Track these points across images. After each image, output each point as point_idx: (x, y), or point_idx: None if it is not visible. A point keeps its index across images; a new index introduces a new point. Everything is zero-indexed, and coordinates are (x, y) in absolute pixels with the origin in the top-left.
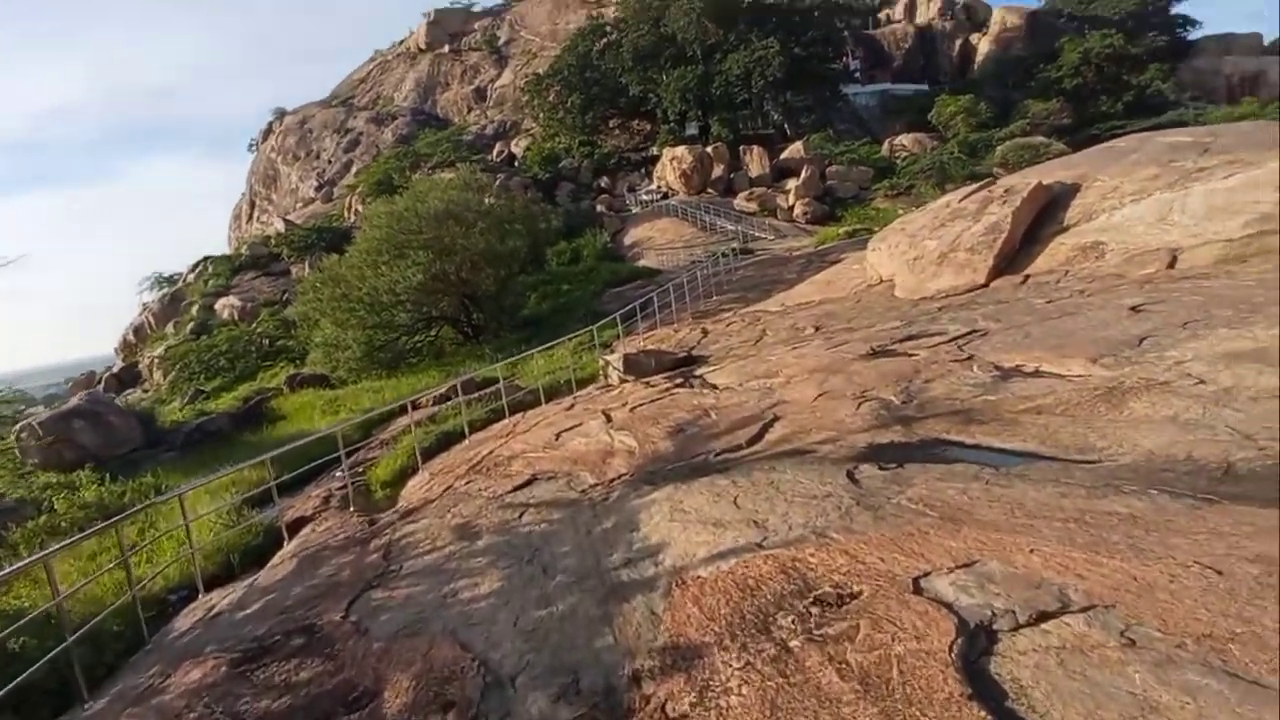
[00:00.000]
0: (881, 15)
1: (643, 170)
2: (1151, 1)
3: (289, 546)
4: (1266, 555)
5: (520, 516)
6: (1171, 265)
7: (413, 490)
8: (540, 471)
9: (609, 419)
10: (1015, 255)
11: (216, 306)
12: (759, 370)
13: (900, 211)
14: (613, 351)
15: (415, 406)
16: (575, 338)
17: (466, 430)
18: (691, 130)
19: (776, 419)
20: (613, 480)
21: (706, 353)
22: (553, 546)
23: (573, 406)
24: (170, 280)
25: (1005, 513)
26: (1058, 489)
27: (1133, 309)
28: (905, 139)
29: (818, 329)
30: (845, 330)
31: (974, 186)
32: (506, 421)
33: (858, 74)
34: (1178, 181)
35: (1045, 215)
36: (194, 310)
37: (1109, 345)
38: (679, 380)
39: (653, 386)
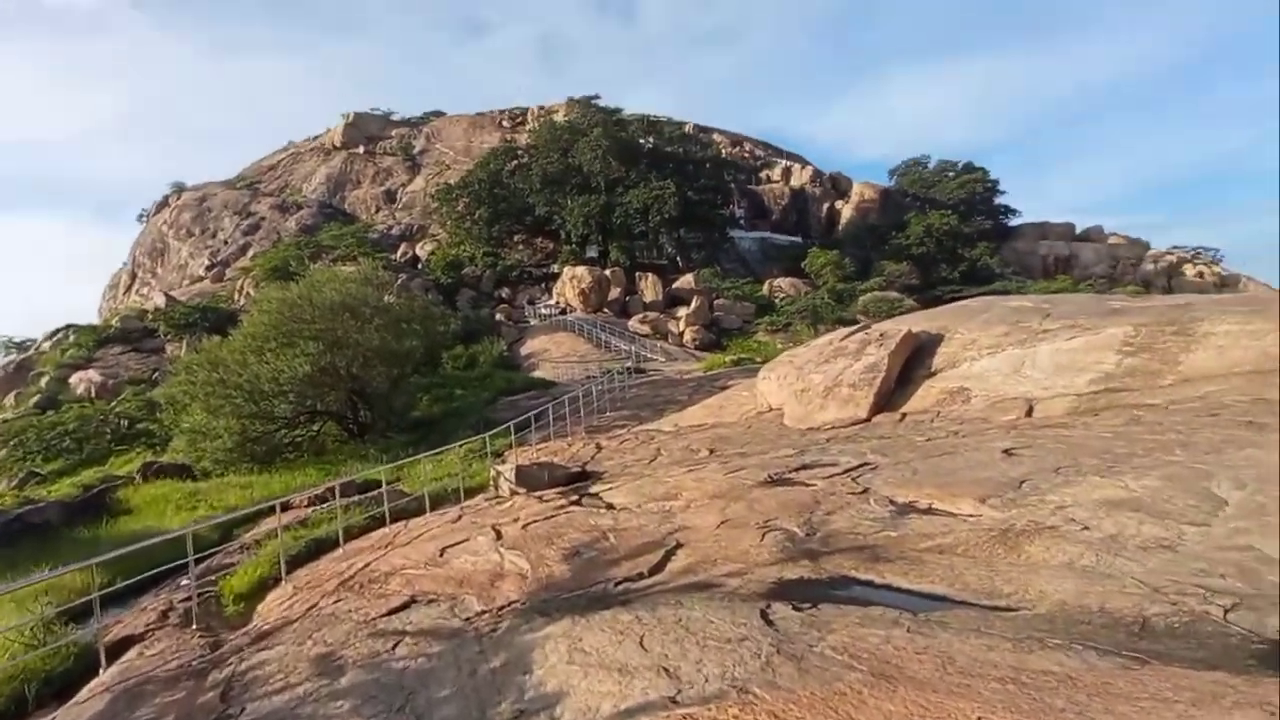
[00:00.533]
0: (763, 175)
1: (543, 285)
2: (979, 192)
3: (104, 675)
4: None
5: (394, 648)
6: (1029, 413)
7: (271, 606)
8: (420, 593)
9: (499, 535)
10: (891, 394)
11: (72, 380)
12: (657, 491)
13: (780, 345)
14: (504, 461)
15: (287, 507)
16: (466, 444)
17: (341, 538)
18: (592, 253)
19: (679, 546)
20: (503, 608)
21: (601, 469)
22: (430, 689)
23: (460, 519)
24: (21, 346)
25: (937, 668)
26: (982, 640)
27: (1005, 452)
28: (782, 282)
29: (712, 452)
30: (739, 455)
31: (853, 328)
32: (386, 531)
33: (742, 221)
34: (1026, 340)
35: (915, 360)
36: (43, 381)
37: (992, 486)
38: (574, 497)
39: (546, 502)
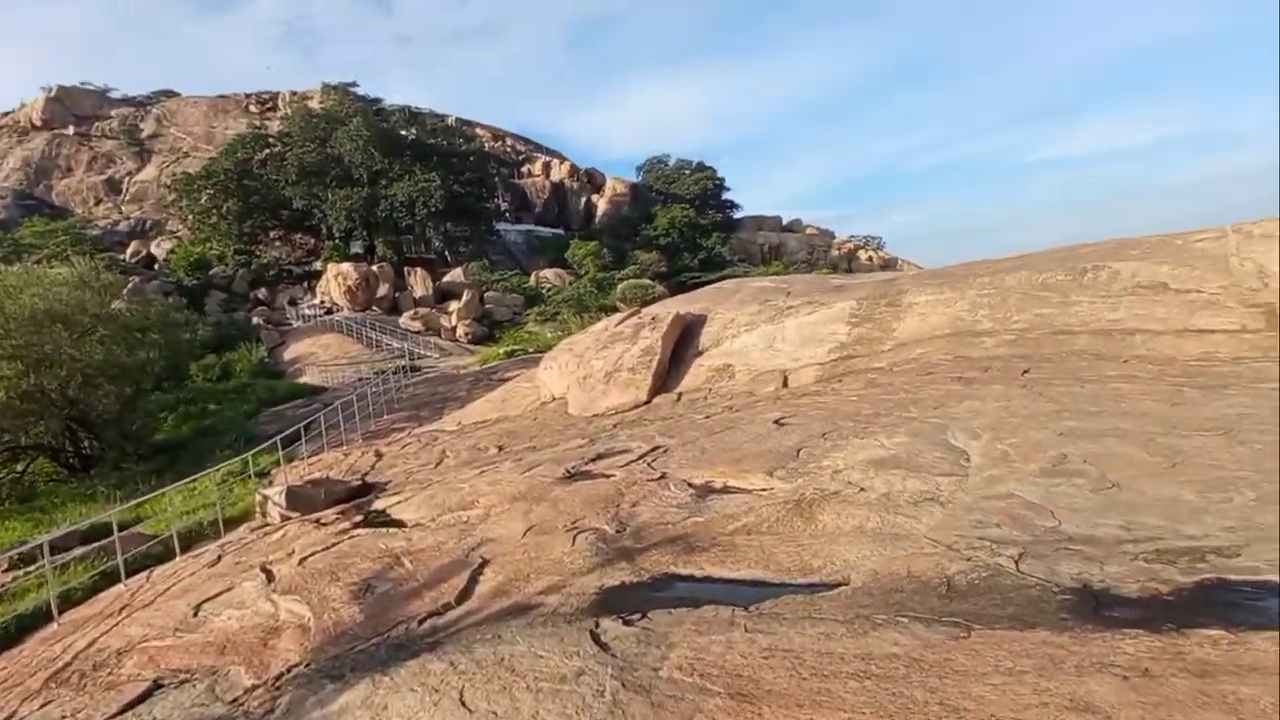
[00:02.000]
0: (525, 169)
1: (306, 284)
2: (710, 188)
3: None
4: (1077, 697)
5: None
6: (786, 384)
7: None
8: (168, 672)
9: (271, 577)
10: (667, 375)
11: None
12: (452, 500)
13: (550, 335)
14: (272, 483)
15: None
16: (225, 467)
17: (55, 609)
18: (357, 248)
19: (485, 563)
20: (281, 676)
21: (384, 479)
22: None
23: (219, 560)
24: None
25: (790, 674)
26: (818, 629)
27: (776, 422)
28: (548, 273)
29: (501, 449)
30: (531, 450)
31: (626, 313)
32: (122, 589)
33: (507, 214)
34: (775, 316)
35: (685, 340)
36: None
37: (775, 458)
38: (358, 517)
39: (326, 527)
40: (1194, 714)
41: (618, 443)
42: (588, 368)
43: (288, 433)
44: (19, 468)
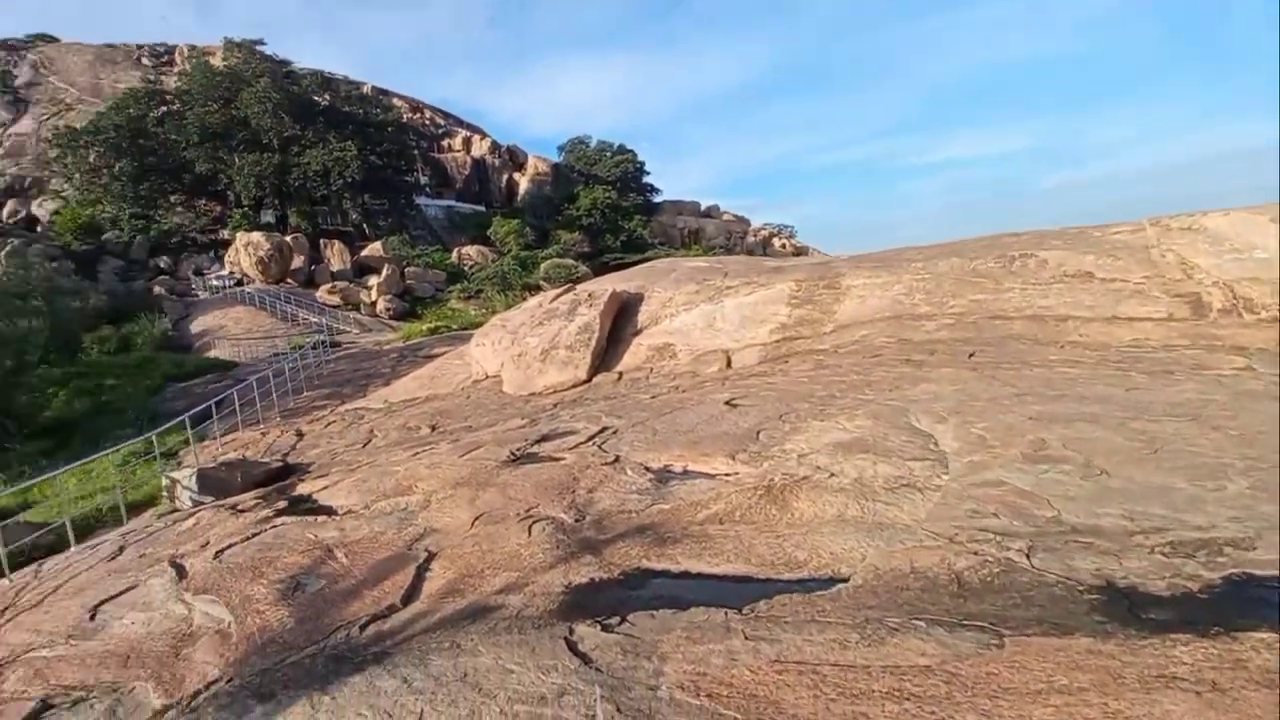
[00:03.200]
0: (445, 143)
1: (212, 253)
2: (631, 170)
3: None
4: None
5: None
6: (729, 364)
7: None
8: (59, 688)
9: (182, 573)
10: (605, 353)
11: None
12: (386, 485)
13: (474, 312)
14: (181, 465)
15: None
16: (126, 447)
17: None
18: (268, 217)
19: (432, 557)
20: (197, 695)
21: (307, 459)
22: None
23: (121, 552)
24: None
25: (812, 693)
26: (829, 636)
27: (728, 404)
28: (470, 249)
29: (435, 428)
30: (466, 430)
31: (559, 289)
32: (5, 586)
33: (428, 189)
34: (714, 296)
35: (622, 318)
36: None
37: (734, 440)
38: (281, 503)
39: (245, 514)
40: None
41: (561, 423)
42: (523, 345)
43: (197, 410)
44: None
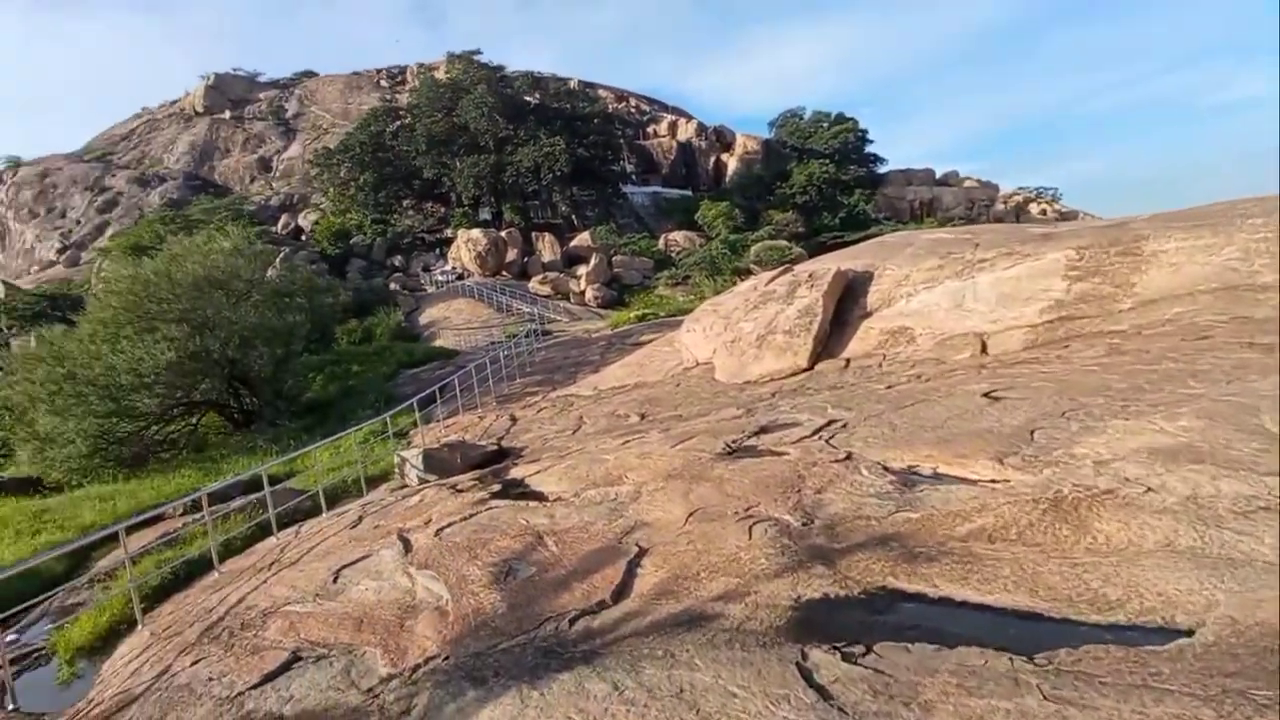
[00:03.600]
0: (649, 130)
1: (438, 250)
2: (851, 141)
3: None
4: None
5: None
6: (984, 350)
7: (117, 667)
8: (307, 644)
9: (408, 547)
10: (829, 338)
11: None
12: (596, 473)
13: (682, 299)
14: (410, 444)
15: (159, 520)
16: (367, 426)
17: (216, 559)
18: (485, 215)
19: (643, 552)
20: (417, 669)
21: (520, 443)
22: None
23: (360, 521)
24: None
25: None
26: (1168, 709)
27: (987, 396)
28: (677, 235)
29: (644, 416)
30: (676, 418)
31: (776, 270)
32: (274, 542)
33: (633, 176)
34: (963, 271)
35: (847, 300)
36: None
37: (1000, 440)
38: (495, 485)
39: (463, 493)
40: None
41: (781, 414)
42: (736, 330)
43: (424, 395)
44: (193, 421)
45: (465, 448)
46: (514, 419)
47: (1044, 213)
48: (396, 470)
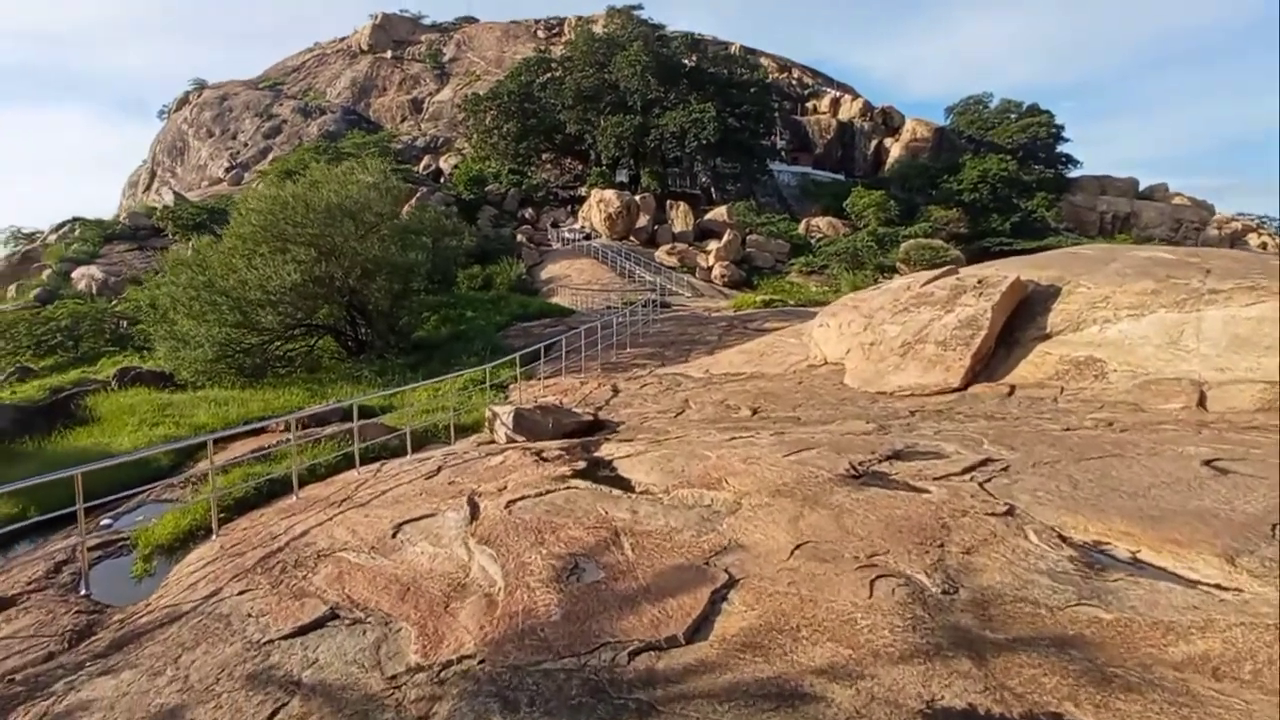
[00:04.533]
0: (809, 105)
1: (569, 207)
2: (1041, 137)
3: None
4: None
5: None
6: (1201, 403)
7: (183, 576)
8: (346, 601)
9: (475, 513)
10: (990, 358)
11: (74, 275)
12: (693, 470)
13: (815, 289)
14: (506, 398)
15: (261, 433)
16: (468, 374)
17: (295, 483)
18: (622, 177)
19: (733, 583)
20: (448, 665)
21: (617, 417)
22: None
23: (438, 472)
24: (29, 237)
25: None
26: None
27: (1209, 465)
28: (820, 221)
29: (755, 412)
30: (793, 420)
31: (937, 272)
32: (354, 476)
33: (783, 153)
34: (1186, 301)
35: (1021, 316)
36: (45, 275)
37: (1228, 529)
38: (581, 461)
39: (545, 463)
40: None
41: (922, 438)
42: (878, 333)
43: (529, 350)
44: (311, 343)
45: (559, 413)
46: (616, 390)
47: (1264, 246)
48: (487, 424)
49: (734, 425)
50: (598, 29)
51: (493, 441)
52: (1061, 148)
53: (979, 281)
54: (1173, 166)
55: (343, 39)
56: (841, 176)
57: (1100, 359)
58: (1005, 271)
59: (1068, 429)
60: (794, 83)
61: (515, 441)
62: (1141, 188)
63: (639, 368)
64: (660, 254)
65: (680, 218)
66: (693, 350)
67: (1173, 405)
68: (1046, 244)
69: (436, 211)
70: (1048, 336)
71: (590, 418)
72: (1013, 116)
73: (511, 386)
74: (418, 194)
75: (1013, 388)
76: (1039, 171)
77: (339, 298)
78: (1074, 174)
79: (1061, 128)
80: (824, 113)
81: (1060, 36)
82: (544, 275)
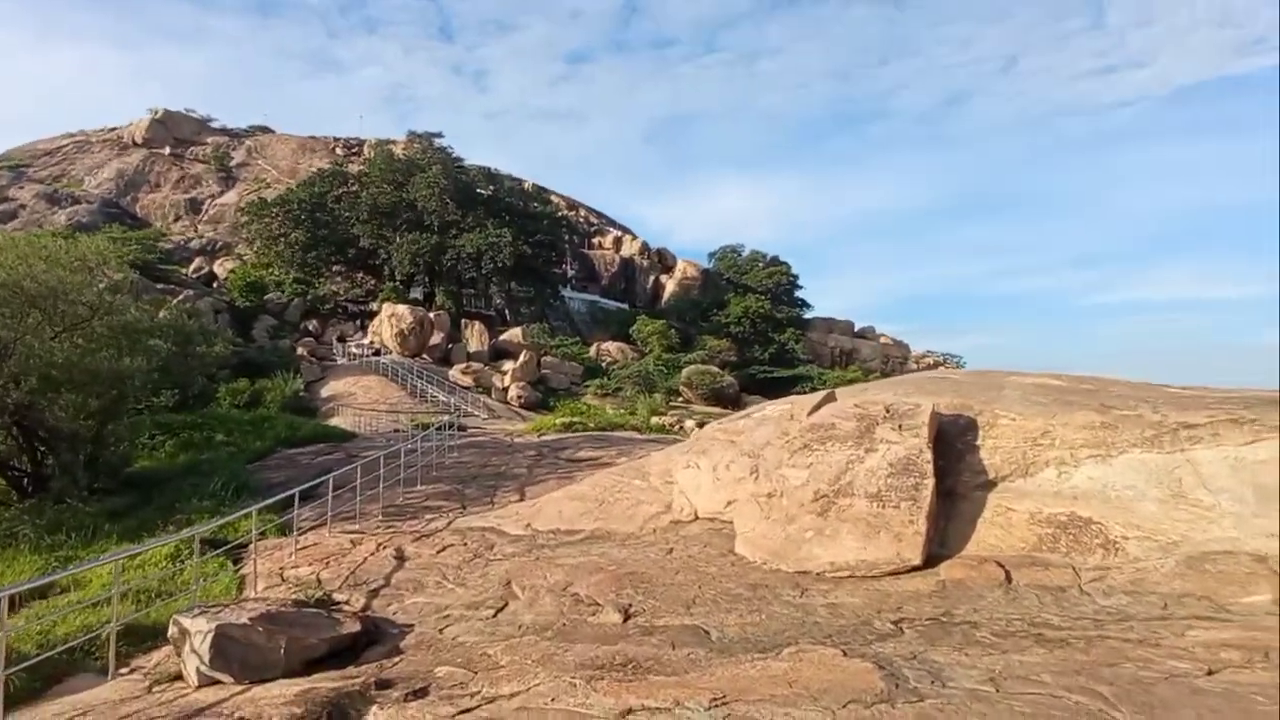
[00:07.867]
0: (595, 241)
1: (359, 321)
2: (783, 283)
3: None
4: None
5: None
6: None
7: None
8: None
9: None
10: (938, 516)
11: None
12: None
13: (612, 411)
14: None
15: None
16: (182, 535)
17: None
18: (416, 294)
19: None
20: None
21: (402, 616)
22: None
23: None
24: None
25: None
26: None
27: None
28: (610, 346)
29: (628, 615)
30: (697, 635)
31: (817, 397)
32: None
33: (573, 282)
34: (1158, 439)
35: (946, 456)
36: None
37: None
38: None
39: None
40: None
41: (953, 685)
42: (776, 480)
43: (282, 497)
44: None
45: (300, 623)
46: (401, 556)
47: None
48: (174, 645)
49: (599, 640)
50: (398, 151)
51: (177, 679)
52: (799, 293)
53: (886, 410)
54: (876, 313)
55: (113, 129)
56: (626, 306)
57: (1092, 519)
58: (912, 399)
59: (1207, 669)
60: (581, 220)
61: (215, 682)
62: (858, 328)
63: (433, 513)
64: (455, 373)
65: (475, 337)
66: (499, 487)
67: (1257, 598)
68: (799, 373)
69: (181, 309)
70: (992, 484)
71: (356, 623)
72: (760, 264)
73: (249, 550)
74: (183, 294)
75: (1006, 571)
76: (786, 311)
77: (2, 417)
78: (809, 315)
79: (797, 277)
80: (608, 249)
81: (784, 208)
82: (325, 393)
